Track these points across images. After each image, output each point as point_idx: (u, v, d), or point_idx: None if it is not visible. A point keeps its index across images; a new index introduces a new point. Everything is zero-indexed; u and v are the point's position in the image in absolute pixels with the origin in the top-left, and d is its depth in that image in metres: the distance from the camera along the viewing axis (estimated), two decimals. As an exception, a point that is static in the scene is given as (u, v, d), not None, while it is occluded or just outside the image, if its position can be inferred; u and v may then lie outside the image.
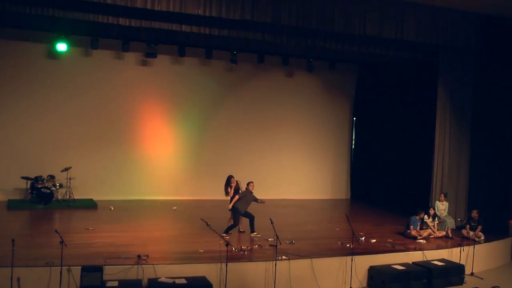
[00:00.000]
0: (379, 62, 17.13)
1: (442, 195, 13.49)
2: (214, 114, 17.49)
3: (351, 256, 10.24)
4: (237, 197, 11.83)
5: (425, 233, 12.57)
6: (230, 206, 11.79)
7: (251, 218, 11.91)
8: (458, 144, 14.33)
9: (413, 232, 12.35)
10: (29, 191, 14.47)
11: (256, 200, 11.94)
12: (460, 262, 11.38)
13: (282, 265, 9.64)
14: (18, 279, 8.17)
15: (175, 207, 15.21)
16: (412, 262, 10.94)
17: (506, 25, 13.74)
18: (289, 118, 18.37)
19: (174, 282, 8.57)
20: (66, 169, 14.72)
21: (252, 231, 11.86)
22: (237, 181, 12.24)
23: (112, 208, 14.44)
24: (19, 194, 14.83)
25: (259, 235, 11.69)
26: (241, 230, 12.18)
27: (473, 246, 11.69)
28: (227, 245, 9.14)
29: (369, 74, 18.82)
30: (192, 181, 17.03)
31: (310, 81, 18.42)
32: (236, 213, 11.80)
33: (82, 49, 15.57)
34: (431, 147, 14.56)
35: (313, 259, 10.05)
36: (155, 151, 16.78)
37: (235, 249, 10.26)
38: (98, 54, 15.62)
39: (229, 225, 11.86)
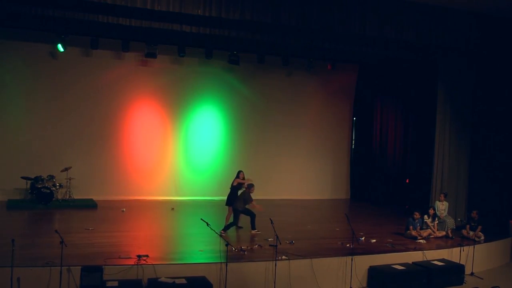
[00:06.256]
0: (379, 62, 17.11)
1: (442, 195, 13.48)
2: (214, 114, 17.53)
3: (351, 256, 10.23)
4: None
5: (425, 233, 12.55)
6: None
7: (252, 216, 11.93)
8: (458, 144, 14.33)
9: (413, 232, 12.34)
10: (29, 191, 14.47)
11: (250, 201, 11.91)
12: (460, 262, 11.37)
13: (282, 265, 9.63)
14: (18, 279, 8.16)
15: (173, 208, 15.19)
16: (412, 262, 10.93)
17: (506, 25, 13.73)
18: (289, 118, 18.36)
19: (174, 282, 8.56)
20: (66, 169, 14.72)
21: (253, 228, 11.89)
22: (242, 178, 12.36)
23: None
24: (19, 194, 14.83)
25: (260, 232, 11.70)
26: (239, 225, 12.21)
27: (473, 246, 11.67)
28: (227, 245, 9.14)
29: (369, 74, 18.81)
30: (192, 181, 17.05)
31: (310, 81, 18.42)
32: (236, 212, 11.88)
33: (82, 49, 15.57)
34: (431, 147, 14.57)
35: (313, 259, 10.03)
36: (155, 151, 16.80)
37: (235, 249, 10.25)
38: (98, 54, 15.62)
39: (228, 223, 11.92)
